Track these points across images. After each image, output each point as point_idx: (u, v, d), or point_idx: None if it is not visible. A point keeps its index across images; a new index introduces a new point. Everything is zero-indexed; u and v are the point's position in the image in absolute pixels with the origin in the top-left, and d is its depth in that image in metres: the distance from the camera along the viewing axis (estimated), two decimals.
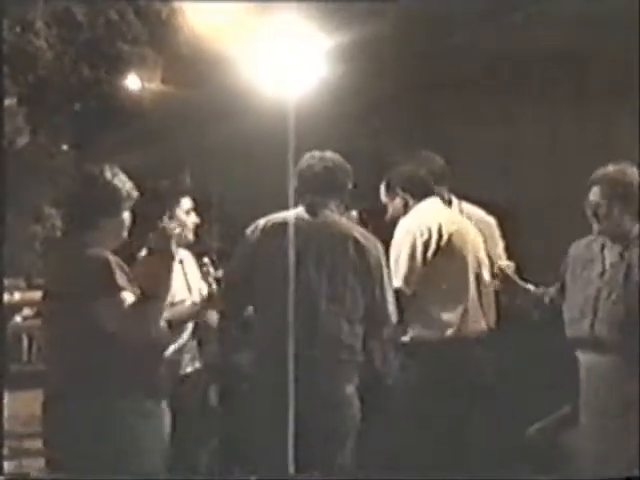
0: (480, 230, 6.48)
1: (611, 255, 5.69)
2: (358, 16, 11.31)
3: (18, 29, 12.07)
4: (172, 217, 6.21)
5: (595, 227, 5.72)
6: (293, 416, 4.93)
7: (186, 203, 6.33)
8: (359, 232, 5.45)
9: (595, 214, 5.68)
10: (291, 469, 4.91)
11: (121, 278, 4.40)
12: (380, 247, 5.52)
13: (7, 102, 12.94)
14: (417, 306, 5.83)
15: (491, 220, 6.74)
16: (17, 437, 8.67)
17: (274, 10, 10.13)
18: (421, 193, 6.06)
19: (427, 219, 5.90)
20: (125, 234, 4.69)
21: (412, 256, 5.81)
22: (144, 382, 4.48)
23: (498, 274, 6.04)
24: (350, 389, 5.26)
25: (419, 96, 12.31)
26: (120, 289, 4.36)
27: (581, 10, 12.08)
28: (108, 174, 4.63)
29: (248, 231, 5.50)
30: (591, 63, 12.03)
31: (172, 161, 14.61)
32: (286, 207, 5.62)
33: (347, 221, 5.55)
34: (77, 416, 4.38)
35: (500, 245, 6.65)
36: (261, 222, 5.47)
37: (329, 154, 5.60)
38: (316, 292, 5.21)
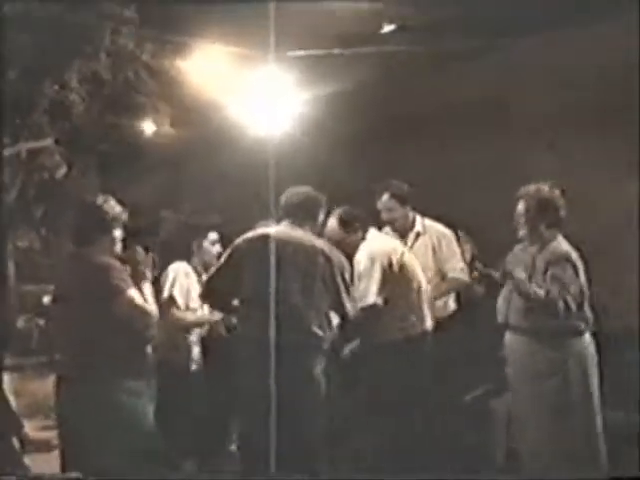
0: (438, 240, 6.58)
1: (528, 257, 5.76)
2: (329, 70, 11.42)
3: (57, 87, 12.12)
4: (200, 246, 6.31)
5: (520, 233, 5.80)
6: (275, 393, 4.97)
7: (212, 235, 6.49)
8: (327, 247, 5.52)
9: (519, 222, 5.77)
10: (272, 425, 4.93)
11: (126, 278, 4.45)
12: (343, 259, 5.60)
13: (46, 142, 13.02)
14: (387, 313, 5.85)
15: (448, 232, 6.78)
16: None
17: (259, 66, 10.19)
18: (366, 225, 6.13)
19: (383, 246, 5.96)
20: (118, 248, 4.73)
21: (382, 275, 5.85)
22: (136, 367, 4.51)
23: (476, 272, 6.06)
24: (317, 370, 5.29)
25: (381, 135, 12.39)
26: (127, 287, 4.41)
27: (505, 65, 12.22)
28: (99, 200, 4.70)
29: (236, 241, 5.56)
30: (511, 109, 12.13)
31: (179, 188, 14.68)
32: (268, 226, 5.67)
33: (317, 238, 5.60)
34: (83, 395, 4.40)
35: (457, 252, 6.69)
36: (248, 234, 5.53)
37: (304, 189, 5.70)
38: (292, 290, 5.22)
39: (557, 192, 5.92)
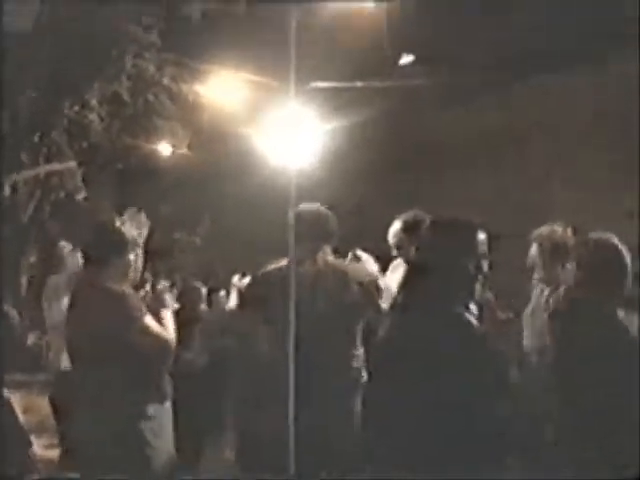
0: None
1: (543, 297, 5.75)
2: (347, 102, 11.53)
3: (77, 107, 12.25)
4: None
5: (535, 276, 5.78)
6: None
7: None
8: (356, 270, 5.23)
9: (535, 265, 5.75)
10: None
11: (141, 307, 4.40)
12: (373, 275, 5.42)
13: (69, 164, 13.15)
14: None
15: None
16: None
17: (279, 96, 10.25)
18: None
19: None
20: (134, 274, 4.64)
21: None
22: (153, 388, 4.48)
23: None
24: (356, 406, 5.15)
25: (399, 166, 12.52)
26: (142, 315, 4.37)
27: (522, 98, 12.33)
28: (117, 222, 4.65)
29: (260, 273, 5.38)
30: (531, 141, 12.25)
31: (194, 211, 14.77)
32: (285, 254, 5.59)
33: (342, 261, 5.42)
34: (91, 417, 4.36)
35: None
36: (278, 265, 5.33)
37: (317, 206, 5.33)
38: (329, 326, 4.95)
39: (569, 232, 5.91)
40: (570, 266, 5.63)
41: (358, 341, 5.10)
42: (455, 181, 12.20)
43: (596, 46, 11.34)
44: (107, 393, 4.33)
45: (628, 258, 4.25)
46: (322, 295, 5.05)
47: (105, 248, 4.51)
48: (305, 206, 5.23)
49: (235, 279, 7.04)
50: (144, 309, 4.39)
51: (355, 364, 5.06)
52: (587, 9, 10.98)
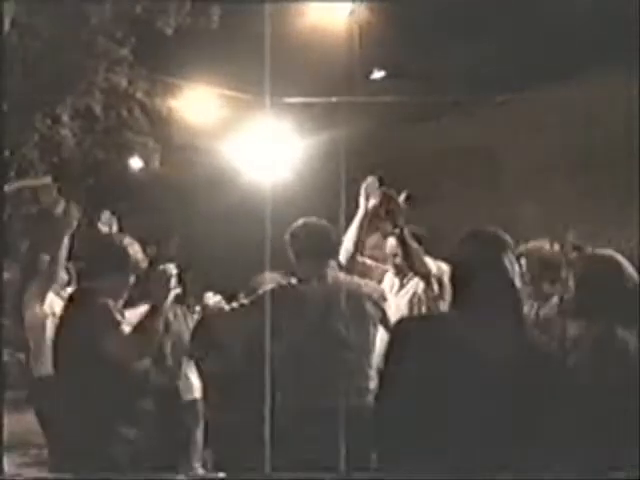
0: None
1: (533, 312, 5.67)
2: (321, 117, 11.61)
3: (49, 121, 12.18)
4: None
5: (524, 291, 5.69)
6: None
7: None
8: (367, 286, 5.05)
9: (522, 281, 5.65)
10: None
11: (119, 317, 4.41)
12: (384, 294, 5.27)
13: (45, 180, 13.03)
14: None
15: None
16: None
17: (254, 111, 10.31)
18: None
19: None
20: (126, 294, 4.61)
21: None
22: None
23: None
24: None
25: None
26: (119, 323, 4.37)
27: (493, 117, 12.42)
28: (126, 241, 4.64)
29: (261, 291, 4.96)
30: (499, 160, 12.37)
31: (165, 227, 14.74)
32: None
33: (352, 278, 5.07)
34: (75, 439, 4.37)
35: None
36: (280, 284, 4.98)
37: (316, 219, 5.08)
38: (346, 345, 4.81)
39: (557, 248, 5.83)
40: (562, 281, 5.60)
41: (371, 360, 4.90)
42: (428, 195, 12.30)
43: (564, 63, 11.48)
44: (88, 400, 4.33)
45: (632, 273, 3.87)
46: (335, 313, 4.81)
47: (107, 262, 4.52)
48: (306, 220, 5.06)
49: (209, 295, 6.97)
50: (121, 318, 4.41)
51: (371, 385, 4.84)
52: (557, 26, 11.14)
